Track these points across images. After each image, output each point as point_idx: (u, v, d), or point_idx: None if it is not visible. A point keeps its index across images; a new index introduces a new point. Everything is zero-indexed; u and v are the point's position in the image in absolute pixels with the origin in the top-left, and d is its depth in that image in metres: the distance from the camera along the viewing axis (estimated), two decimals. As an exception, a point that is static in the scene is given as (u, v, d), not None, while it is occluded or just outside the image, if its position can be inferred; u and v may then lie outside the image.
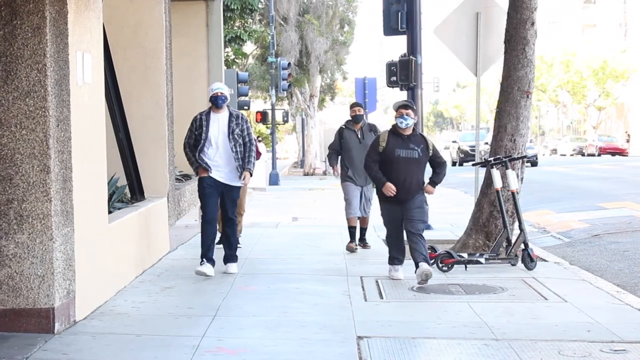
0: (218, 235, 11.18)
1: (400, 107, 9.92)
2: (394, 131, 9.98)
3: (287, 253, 12.68)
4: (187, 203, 13.64)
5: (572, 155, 65.64)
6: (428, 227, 13.62)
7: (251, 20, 36.14)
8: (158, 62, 12.12)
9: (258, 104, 51.92)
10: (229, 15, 30.72)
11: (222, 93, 10.25)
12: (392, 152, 9.86)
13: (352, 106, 12.82)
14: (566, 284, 10.00)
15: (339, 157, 12.82)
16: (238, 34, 32.67)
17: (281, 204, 23.59)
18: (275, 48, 36.84)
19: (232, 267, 10.67)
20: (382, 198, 10.09)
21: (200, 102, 16.15)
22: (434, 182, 10.15)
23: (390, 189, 9.82)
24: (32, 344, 7.03)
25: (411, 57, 15.14)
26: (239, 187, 10.51)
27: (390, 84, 15.69)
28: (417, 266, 9.75)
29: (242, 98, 26.87)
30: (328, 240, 14.11)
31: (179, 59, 14.41)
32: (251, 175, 10.42)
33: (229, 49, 32.82)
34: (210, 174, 10.25)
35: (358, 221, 12.88)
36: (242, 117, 10.42)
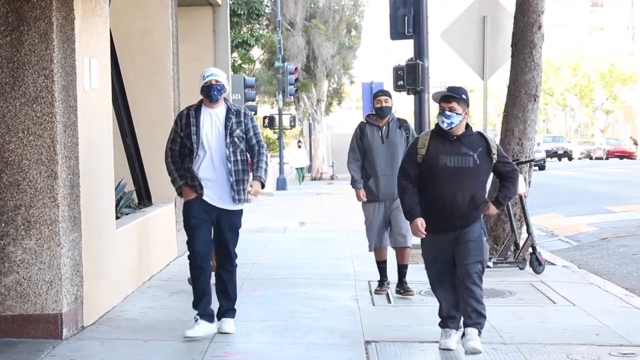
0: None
1: (442, 100, 6.94)
2: (439, 131, 7.00)
3: (294, 258, 12.67)
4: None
5: (579, 158, 65.55)
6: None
7: (258, 25, 36.24)
8: (165, 68, 12.15)
9: (265, 108, 51.94)
10: (235, 20, 30.81)
11: (217, 81, 7.49)
12: (435, 161, 6.92)
13: (377, 95, 9.61)
14: (574, 288, 9.97)
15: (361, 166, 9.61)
16: (245, 39, 32.77)
17: (288, 209, 23.58)
18: (282, 53, 36.87)
19: (229, 324, 7.74)
20: (427, 229, 7.05)
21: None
22: (499, 200, 7.20)
23: (419, 229, 7.00)
24: (40, 350, 7.03)
25: (418, 61, 15.10)
26: (239, 212, 7.74)
27: (397, 88, 15.65)
28: (464, 333, 7.04)
29: (250, 103, 26.92)
30: (335, 244, 14.10)
31: (186, 64, 14.42)
32: (263, 186, 7.64)
33: (235, 54, 32.89)
34: (202, 196, 7.53)
35: (390, 252, 9.76)
36: (245, 114, 7.65)
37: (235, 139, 7.53)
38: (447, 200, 6.91)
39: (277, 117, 36.40)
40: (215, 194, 7.51)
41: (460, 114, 6.86)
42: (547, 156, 59.03)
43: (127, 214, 10.47)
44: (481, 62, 13.80)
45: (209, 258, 7.68)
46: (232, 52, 27.72)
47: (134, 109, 11.54)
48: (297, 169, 32.92)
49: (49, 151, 7.32)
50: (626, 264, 12.50)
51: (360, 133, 9.58)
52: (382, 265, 9.74)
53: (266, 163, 7.69)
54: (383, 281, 9.74)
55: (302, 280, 10.54)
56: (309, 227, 18.21)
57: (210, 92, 7.50)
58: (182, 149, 7.59)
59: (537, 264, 10.76)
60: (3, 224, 7.33)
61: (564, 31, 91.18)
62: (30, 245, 7.34)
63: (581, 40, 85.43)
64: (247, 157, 7.68)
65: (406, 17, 15.35)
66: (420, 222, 6.93)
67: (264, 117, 37.90)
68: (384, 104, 9.50)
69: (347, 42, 45.95)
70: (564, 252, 13.87)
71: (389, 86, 21.07)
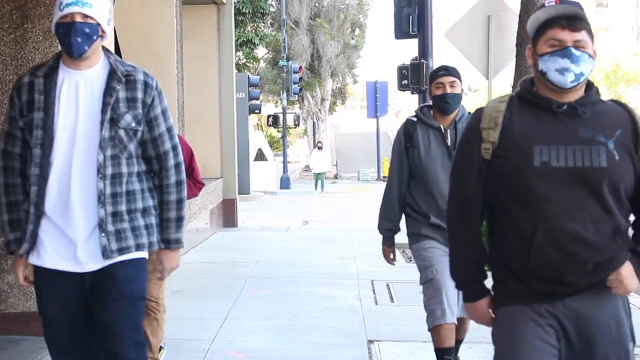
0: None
1: (556, 23, 3.19)
2: (527, 97, 3.30)
3: (297, 257, 12.66)
4: (198, 207, 13.64)
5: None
6: None
7: (262, 24, 36.28)
8: (169, 66, 12.12)
9: (269, 107, 52.02)
10: (240, 19, 30.85)
11: (86, 16, 3.81)
12: (525, 156, 3.18)
13: (438, 75, 5.57)
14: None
15: (403, 200, 5.68)
16: (249, 38, 32.80)
17: (292, 208, 23.59)
18: (287, 52, 36.90)
19: None
20: (500, 297, 3.33)
21: (212, 106, 16.21)
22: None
23: (485, 315, 3.38)
24: (43, 347, 6.94)
25: (422, 60, 15.10)
26: (137, 265, 3.98)
27: (402, 87, 15.66)
28: None
29: (254, 102, 26.94)
30: (339, 243, 14.09)
31: (190, 62, 14.42)
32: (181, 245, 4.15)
33: (240, 53, 32.91)
34: (41, 262, 3.91)
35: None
36: (146, 83, 3.93)
37: (122, 132, 3.86)
38: (556, 240, 3.14)
39: (281, 116, 36.43)
40: (73, 244, 3.87)
41: (592, 57, 3.26)
42: None
43: (130, 212, 10.41)
44: (485, 62, 13.78)
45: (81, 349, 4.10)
46: (236, 50, 27.72)
47: (137, 107, 11.53)
48: (315, 174, 31.59)
49: (53, 149, 7.28)
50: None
51: (407, 139, 5.61)
52: (446, 358, 5.51)
53: (182, 201, 4.13)
54: None
55: (305, 279, 10.54)
56: (312, 226, 18.21)
57: (68, 38, 3.84)
58: (26, 152, 3.93)
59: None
60: (6, 222, 7.28)
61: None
62: (33, 243, 7.28)
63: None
64: (144, 168, 4.03)
65: (411, 17, 15.36)
66: (488, 304, 3.37)
67: (268, 116, 37.97)
68: (449, 90, 5.51)
69: (351, 41, 46.01)
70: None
71: (393, 86, 20.96)
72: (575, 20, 3.20)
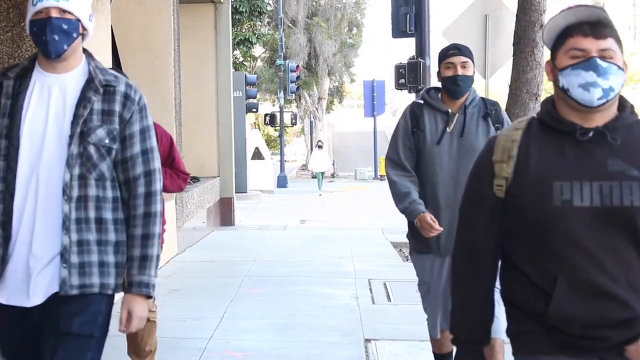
0: None
1: (577, 31, 2.68)
2: (548, 121, 2.76)
3: (295, 256, 12.65)
4: (195, 206, 13.65)
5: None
6: None
7: (260, 23, 36.30)
8: (166, 65, 12.13)
9: (267, 106, 52.03)
10: (237, 18, 30.86)
11: (64, 11, 3.27)
12: (544, 195, 2.64)
13: (448, 54, 5.20)
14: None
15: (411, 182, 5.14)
16: (247, 37, 32.81)
17: (289, 207, 23.59)
18: (284, 51, 36.89)
19: None
20: (517, 343, 2.80)
21: (210, 105, 16.21)
22: None
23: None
24: (40, 346, 7.01)
25: (420, 59, 15.11)
26: (98, 301, 3.38)
27: (399, 86, 15.68)
28: None
29: (251, 101, 26.94)
30: (336, 243, 14.08)
31: (187, 61, 14.42)
32: (151, 296, 3.41)
33: (237, 52, 32.92)
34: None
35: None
36: (127, 96, 3.40)
37: (92, 149, 3.32)
38: (581, 295, 2.62)
39: (278, 115, 36.45)
40: (29, 275, 3.30)
41: (622, 69, 2.72)
42: None
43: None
44: (483, 61, 13.79)
45: None
46: (233, 49, 27.72)
47: (135, 106, 11.52)
48: (317, 173, 31.66)
49: (50, 147, 7.27)
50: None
51: (413, 122, 5.15)
52: None
53: (150, 238, 3.42)
54: None
55: (302, 278, 10.53)
56: (309, 226, 18.20)
57: (44, 37, 3.30)
58: None
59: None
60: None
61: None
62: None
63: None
64: (118, 195, 3.42)
65: (408, 16, 15.38)
66: None
67: (266, 115, 38.02)
68: (461, 71, 5.12)
69: (349, 41, 46.05)
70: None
71: (390, 85, 20.92)
72: (600, 26, 2.69)
